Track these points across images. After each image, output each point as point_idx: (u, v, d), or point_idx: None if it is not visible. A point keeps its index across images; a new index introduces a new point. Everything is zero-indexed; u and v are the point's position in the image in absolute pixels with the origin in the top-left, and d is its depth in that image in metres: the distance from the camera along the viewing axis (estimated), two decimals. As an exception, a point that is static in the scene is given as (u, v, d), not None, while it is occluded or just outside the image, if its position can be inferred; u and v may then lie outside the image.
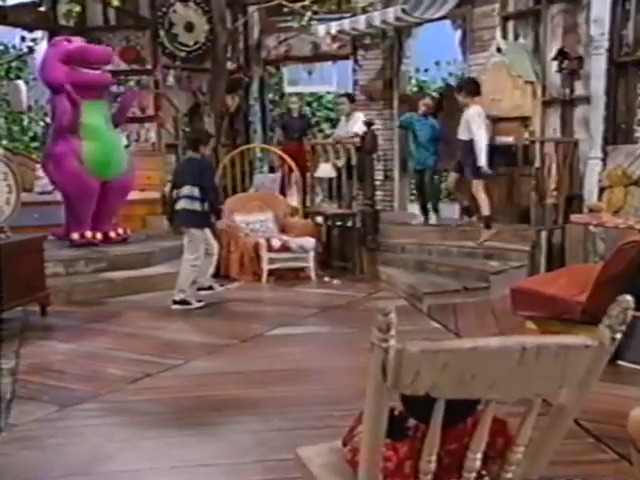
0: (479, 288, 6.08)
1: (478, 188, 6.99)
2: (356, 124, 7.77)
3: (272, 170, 9.34)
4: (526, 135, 7.38)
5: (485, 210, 6.97)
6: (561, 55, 6.88)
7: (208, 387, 3.94)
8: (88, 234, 7.07)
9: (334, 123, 14.05)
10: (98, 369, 4.24)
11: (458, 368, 1.51)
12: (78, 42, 7.08)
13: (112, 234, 7.28)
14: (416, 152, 7.98)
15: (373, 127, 7.15)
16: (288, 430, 3.31)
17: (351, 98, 8.50)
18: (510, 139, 7.46)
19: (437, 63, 13.49)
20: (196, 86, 9.55)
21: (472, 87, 7.07)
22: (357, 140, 7.31)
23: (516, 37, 7.56)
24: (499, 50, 7.39)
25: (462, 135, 6.92)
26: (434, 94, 8.59)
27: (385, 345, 1.49)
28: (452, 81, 13.28)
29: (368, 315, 5.62)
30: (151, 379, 4.06)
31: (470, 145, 6.83)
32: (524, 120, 7.41)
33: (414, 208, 9.41)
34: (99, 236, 7.13)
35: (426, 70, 13.35)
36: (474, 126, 6.77)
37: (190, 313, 5.72)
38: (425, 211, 7.96)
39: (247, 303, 6.18)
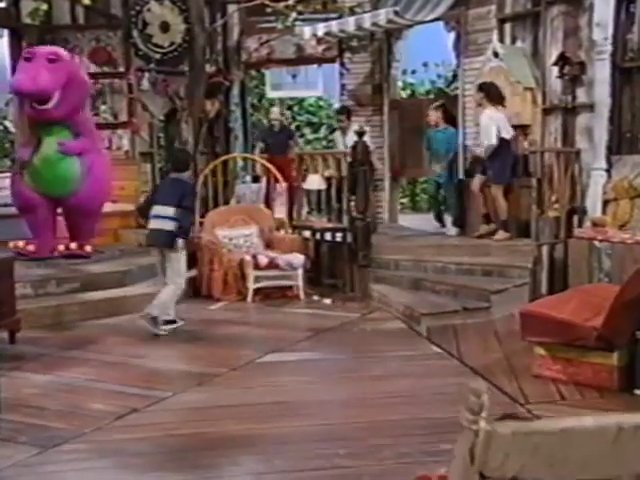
0: (480, 308, 6.09)
1: (498, 193, 7.23)
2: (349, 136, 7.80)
3: (255, 180, 9.30)
4: (525, 144, 7.44)
5: (503, 215, 7.26)
6: (562, 60, 6.94)
7: (201, 423, 3.88)
8: (20, 244, 7.13)
9: (316, 128, 14.19)
10: (79, 404, 4.16)
11: (549, 450, 1.50)
12: (41, 51, 6.93)
13: (62, 248, 7.25)
14: (432, 164, 8.32)
15: (364, 137, 7.13)
16: (292, 472, 3.26)
17: (347, 111, 8.52)
18: (508, 148, 7.53)
19: (425, 65, 13.59)
20: (173, 90, 9.47)
21: (495, 92, 7.23)
22: (348, 151, 7.32)
23: (513, 41, 7.63)
24: (496, 55, 7.45)
25: (485, 138, 7.16)
26: (437, 103, 8.64)
27: (475, 427, 1.47)
28: (441, 83, 13.46)
29: (363, 339, 5.70)
30: (138, 415, 3.99)
31: (497, 148, 7.08)
32: (523, 128, 7.47)
33: (405, 220, 9.48)
34: (31, 247, 7.14)
35: (413, 72, 13.44)
36: (499, 129, 7.06)
37: (173, 338, 5.65)
38: (440, 219, 8.17)
39: (234, 325, 6.13)
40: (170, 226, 5.72)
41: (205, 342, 5.57)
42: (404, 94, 12.64)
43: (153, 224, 5.80)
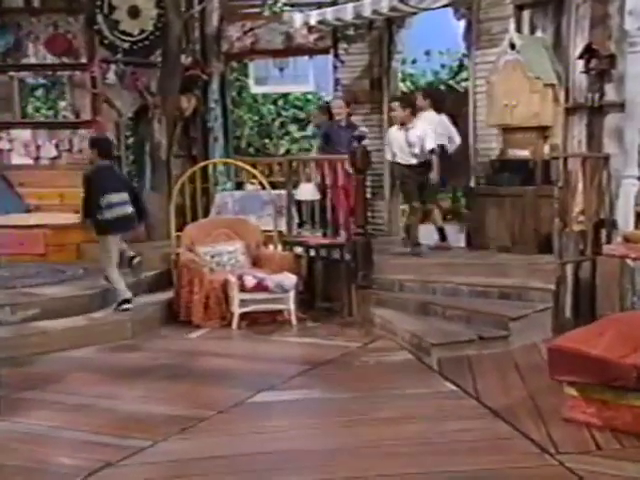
0: (497, 337, 6.08)
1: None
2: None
3: (239, 187, 9.26)
4: (546, 149, 7.45)
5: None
6: (588, 53, 6.91)
7: (186, 479, 3.82)
8: None
9: (304, 125, 14.16)
10: (42, 458, 4.09)
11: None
12: None
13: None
14: None
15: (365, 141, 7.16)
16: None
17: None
18: (526, 153, 7.55)
19: (427, 53, 13.59)
20: (143, 84, 9.44)
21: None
22: (344, 157, 7.31)
23: (533, 30, 7.63)
24: (513, 46, 7.44)
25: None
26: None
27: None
28: (445, 74, 13.48)
29: (366, 374, 5.66)
30: (113, 470, 3.93)
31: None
32: (543, 130, 7.50)
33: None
34: None
35: (414, 62, 13.43)
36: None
37: (149, 374, 5.60)
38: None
39: (218, 358, 6.09)
40: (130, 210, 6.79)
41: (186, 379, 5.51)
42: (404, 87, 12.63)
43: (116, 212, 6.70)
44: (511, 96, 7.44)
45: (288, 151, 13.79)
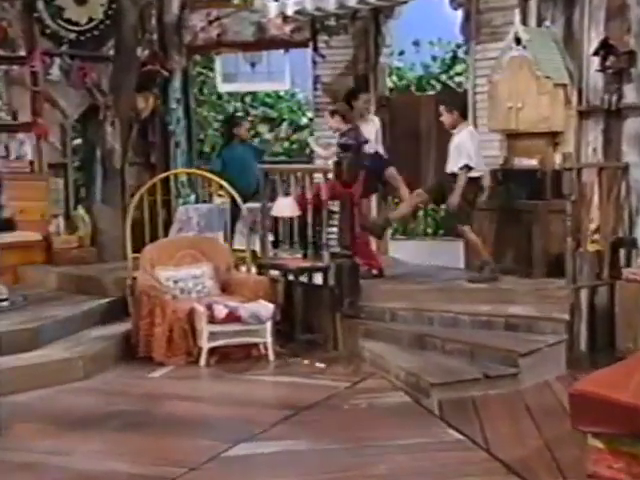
0: (505, 376, 6.07)
1: None
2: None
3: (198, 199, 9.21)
4: (557, 158, 7.49)
5: None
6: (604, 48, 6.97)
7: None
8: None
9: (275, 125, 14.17)
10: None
11: None
12: None
13: None
14: None
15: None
16: None
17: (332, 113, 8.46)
18: (533, 162, 7.60)
19: (416, 43, 13.65)
20: (92, 81, 9.39)
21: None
22: (328, 167, 7.36)
23: (541, 22, 7.68)
24: (518, 41, 7.48)
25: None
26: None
27: None
28: (437, 68, 13.54)
29: (357, 419, 5.61)
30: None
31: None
32: (553, 137, 7.55)
33: (397, 249, 9.46)
34: None
35: (401, 53, 13.48)
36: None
37: (106, 423, 5.50)
38: None
39: (185, 402, 5.99)
40: None
41: (150, 428, 5.41)
42: (389, 82, 12.65)
43: None
44: (516, 97, 7.48)
45: (257, 155, 13.77)
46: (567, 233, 6.79)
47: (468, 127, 7.52)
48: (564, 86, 7.39)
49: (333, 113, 8.03)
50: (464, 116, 7.62)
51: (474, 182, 7.37)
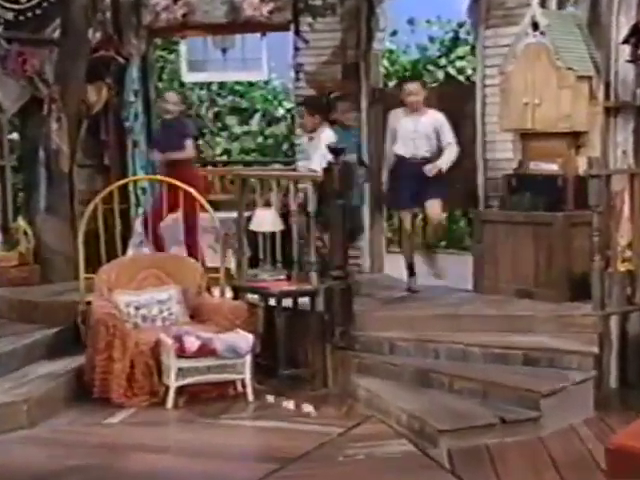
0: (525, 420, 6.03)
1: None
2: (317, 151, 7.77)
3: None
4: (580, 162, 7.50)
5: None
6: (635, 35, 7.01)
7: None
8: None
9: (246, 117, 14.16)
10: None
11: None
12: None
13: None
14: None
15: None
16: None
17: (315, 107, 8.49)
18: (553, 166, 7.65)
19: (411, 22, 13.71)
20: (34, 69, 9.26)
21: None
22: (318, 175, 7.32)
23: (561, 5, 7.77)
24: (535, 26, 7.51)
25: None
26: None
27: None
28: (436, 50, 13.57)
29: (357, 475, 5.54)
30: None
31: None
32: (576, 137, 7.59)
33: (394, 265, 9.45)
34: None
35: (394, 33, 13.50)
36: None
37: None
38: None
39: (150, 454, 5.89)
40: None
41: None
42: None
43: None
44: (533, 92, 7.52)
45: (227, 152, 13.75)
46: (593, 250, 6.78)
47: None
48: (589, 79, 7.44)
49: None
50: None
51: None
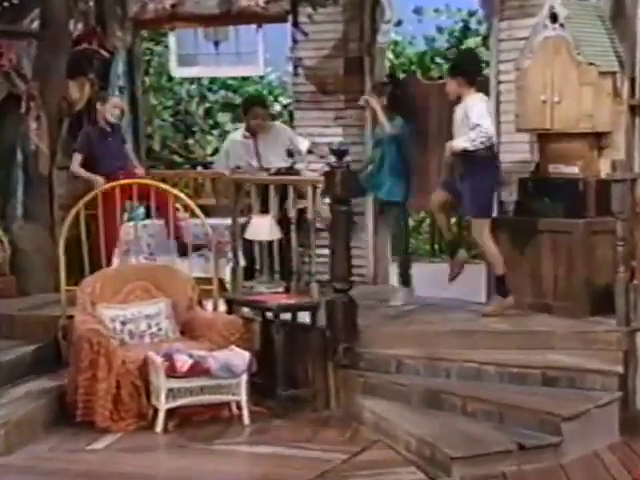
0: (544, 446, 6.00)
1: (483, 232, 7.54)
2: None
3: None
4: (602, 165, 7.50)
5: (499, 267, 7.59)
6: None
7: None
8: None
9: (240, 114, 14.13)
10: None
11: None
12: None
13: None
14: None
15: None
16: None
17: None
18: (574, 169, 7.64)
19: (417, 11, 13.73)
20: (10, 64, 9.32)
21: (473, 68, 7.59)
22: (318, 179, 7.33)
23: (582, -6, 7.76)
24: (554, 17, 7.50)
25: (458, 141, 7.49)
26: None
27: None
28: (444, 42, 13.58)
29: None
30: None
31: (482, 153, 7.31)
32: (598, 138, 7.59)
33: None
34: None
35: (399, 23, 13.52)
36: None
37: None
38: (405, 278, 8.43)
39: (137, 486, 5.91)
40: None
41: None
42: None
43: None
44: (552, 89, 7.54)
45: (218, 151, 13.70)
46: (617, 260, 6.81)
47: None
48: (612, 75, 7.46)
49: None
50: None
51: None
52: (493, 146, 7.53)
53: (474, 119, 7.41)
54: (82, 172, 8.86)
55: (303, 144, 8.88)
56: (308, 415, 7.02)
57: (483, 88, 7.95)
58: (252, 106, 8.96)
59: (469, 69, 7.63)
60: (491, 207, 7.76)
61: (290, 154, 8.77)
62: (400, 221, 8.58)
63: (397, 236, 8.68)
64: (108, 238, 8.20)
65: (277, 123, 9.11)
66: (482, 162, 7.43)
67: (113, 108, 9.14)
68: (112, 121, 9.17)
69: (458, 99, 7.60)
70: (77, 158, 8.97)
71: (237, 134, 9.27)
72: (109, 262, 8.24)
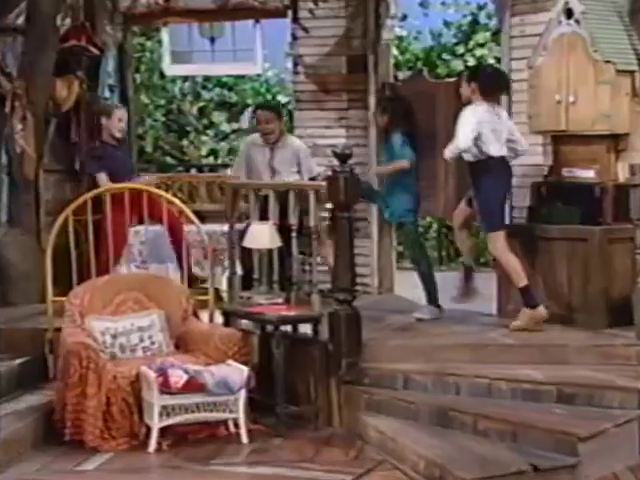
0: (560, 467, 5.97)
1: (497, 246, 7.55)
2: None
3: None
4: (620, 168, 7.51)
5: (518, 280, 7.53)
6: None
7: None
8: None
9: (235, 113, 14.16)
10: None
11: None
12: None
13: None
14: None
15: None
16: None
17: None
18: (590, 174, 7.65)
19: (423, 5, 13.75)
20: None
21: (497, 82, 7.67)
22: (321, 185, 7.36)
23: (599, -11, 7.74)
24: (569, 13, 7.52)
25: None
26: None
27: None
28: (451, 36, 13.59)
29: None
30: None
31: (482, 166, 7.40)
32: (616, 140, 7.61)
33: (404, 282, 9.44)
34: None
35: (404, 18, 13.55)
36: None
37: None
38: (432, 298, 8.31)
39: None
40: None
41: None
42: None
43: None
44: (567, 88, 7.55)
45: (213, 152, 13.75)
46: (636, 269, 6.87)
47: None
48: (630, 73, 7.48)
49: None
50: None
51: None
52: (501, 157, 7.59)
53: (457, 127, 7.52)
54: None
55: (315, 169, 8.77)
56: (310, 434, 7.02)
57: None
58: (256, 109, 8.98)
59: (487, 80, 7.65)
60: (503, 218, 7.76)
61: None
62: (417, 240, 8.64)
63: (416, 258, 8.57)
64: (117, 244, 8.30)
65: (294, 139, 8.97)
66: (487, 172, 7.49)
67: (119, 122, 9.15)
68: (119, 137, 9.21)
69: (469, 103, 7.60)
70: (103, 177, 8.96)
71: (254, 136, 9.21)
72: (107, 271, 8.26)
